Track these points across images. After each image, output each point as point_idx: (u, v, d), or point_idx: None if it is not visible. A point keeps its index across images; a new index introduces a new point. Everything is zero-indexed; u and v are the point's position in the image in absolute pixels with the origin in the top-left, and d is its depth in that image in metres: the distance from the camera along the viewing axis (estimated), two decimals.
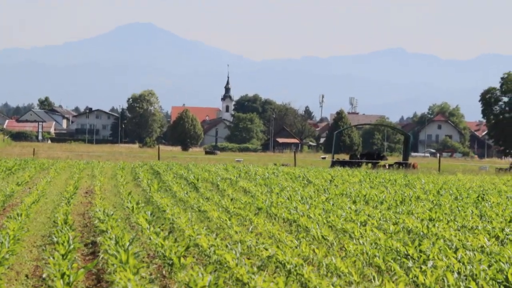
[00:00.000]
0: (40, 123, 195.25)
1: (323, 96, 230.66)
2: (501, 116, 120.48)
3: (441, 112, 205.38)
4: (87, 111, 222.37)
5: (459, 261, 16.22)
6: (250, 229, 21.08)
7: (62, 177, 43.49)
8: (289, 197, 31.28)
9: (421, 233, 21.00)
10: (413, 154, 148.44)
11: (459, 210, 27.26)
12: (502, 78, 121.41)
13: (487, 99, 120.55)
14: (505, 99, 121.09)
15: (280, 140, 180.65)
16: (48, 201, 29.30)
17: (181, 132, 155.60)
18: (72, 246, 15.76)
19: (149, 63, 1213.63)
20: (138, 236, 19.90)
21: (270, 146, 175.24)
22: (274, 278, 13.71)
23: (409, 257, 16.92)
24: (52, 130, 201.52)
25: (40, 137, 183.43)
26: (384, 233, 20.60)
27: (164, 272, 15.94)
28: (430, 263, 15.76)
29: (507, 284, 14.47)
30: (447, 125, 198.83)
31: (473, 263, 15.80)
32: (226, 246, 17.11)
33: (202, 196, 31.93)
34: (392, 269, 15.66)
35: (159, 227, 19.51)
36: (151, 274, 15.66)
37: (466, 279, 14.52)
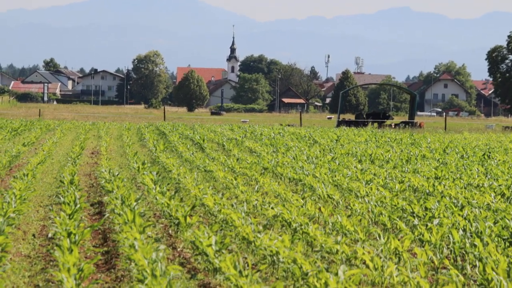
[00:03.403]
0: (46, 84, 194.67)
1: (328, 56, 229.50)
2: (507, 75, 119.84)
3: (447, 71, 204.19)
4: (93, 72, 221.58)
5: (465, 219, 16.24)
6: (256, 188, 21.10)
7: (68, 138, 43.52)
8: (294, 157, 31.28)
9: (427, 191, 21.00)
10: (419, 113, 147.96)
11: (465, 168, 27.23)
12: (509, 36, 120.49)
13: (494, 58, 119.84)
14: None
15: (286, 100, 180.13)
16: (54, 161, 29.35)
17: (186, 93, 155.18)
18: (78, 206, 15.82)
19: (154, 24, 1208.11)
20: (144, 196, 19.95)
21: (276, 106, 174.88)
22: (280, 236, 13.75)
23: (414, 215, 16.95)
24: (57, 91, 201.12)
25: (45, 98, 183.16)
26: (390, 192, 20.60)
27: (170, 231, 16.00)
28: (435, 221, 15.78)
29: None
30: (454, 84, 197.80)
31: (478, 220, 15.81)
32: (232, 206, 17.16)
33: (208, 156, 31.94)
34: (398, 227, 15.68)
35: (165, 187, 19.54)
36: (157, 233, 15.74)
37: (471, 236, 14.55)
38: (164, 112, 80.00)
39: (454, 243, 13.88)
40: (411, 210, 17.27)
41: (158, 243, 14.31)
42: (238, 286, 10.76)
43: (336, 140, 42.99)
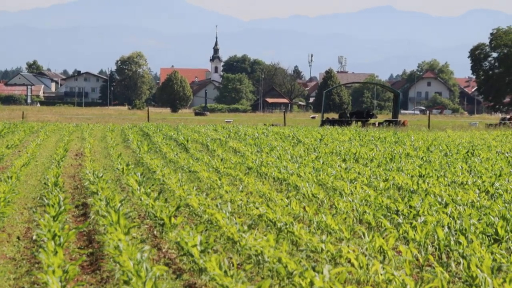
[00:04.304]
0: (29, 86, 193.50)
1: (312, 56, 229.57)
2: (490, 72, 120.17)
3: (431, 69, 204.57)
4: (76, 74, 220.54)
5: (449, 216, 16.27)
6: (240, 188, 21.07)
7: (52, 140, 43.35)
8: (279, 156, 31.26)
9: (411, 189, 21.01)
10: (402, 111, 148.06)
11: (449, 166, 27.30)
12: (491, 34, 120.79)
13: (477, 55, 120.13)
14: (494, 54, 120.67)
15: (270, 100, 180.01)
16: (38, 164, 29.23)
17: (170, 93, 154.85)
18: (63, 208, 15.72)
19: (137, 25, 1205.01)
20: (129, 197, 19.90)
21: (260, 106, 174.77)
22: (265, 236, 13.74)
23: (399, 213, 16.95)
24: (41, 94, 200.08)
25: (29, 101, 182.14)
26: (374, 190, 20.61)
27: (155, 232, 15.95)
28: (420, 219, 15.81)
29: (497, 237, 14.55)
30: (437, 82, 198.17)
31: (463, 218, 15.83)
32: (217, 206, 17.10)
33: (192, 156, 31.89)
34: (382, 225, 15.70)
35: (150, 188, 19.47)
36: (142, 234, 15.70)
37: (456, 233, 14.57)
38: (148, 113, 79.87)
39: (438, 240, 13.89)
40: (396, 208, 17.28)
41: (143, 244, 14.27)
42: (224, 286, 10.71)
43: (320, 139, 43.02)
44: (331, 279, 10.67)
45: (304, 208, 17.61)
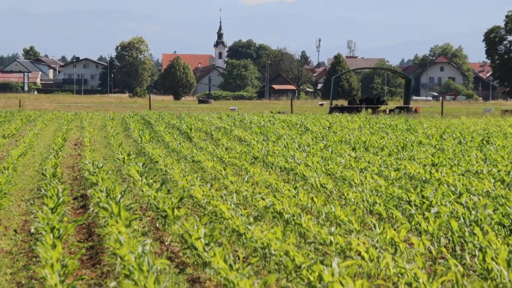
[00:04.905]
0: (26, 73, 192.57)
1: (319, 40, 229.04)
2: (506, 56, 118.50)
3: (444, 53, 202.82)
4: (74, 60, 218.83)
5: (464, 207, 16.09)
6: (246, 179, 20.81)
7: (50, 129, 43.14)
8: (286, 145, 31.03)
9: (424, 178, 20.87)
10: (414, 98, 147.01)
11: (463, 154, 27.02)
12: (506, 17, 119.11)
13: (491, 39, 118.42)
14: (510, 38, 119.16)
15: (276, 87, 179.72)
16: (35, 154, 29.05)
17: (172, 80, 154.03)
18: (61, 199, 15.69)
19: (137, 9, 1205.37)
20: (130, 188, 19.68)
21: (266, 93, 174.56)
22: (272, 228, 13.59)
23: (411, 203, 16.78)
24: (38, 81, 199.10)
25: (26, 88, 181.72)
26: (385, 180, 20.43)
27: (157, 224, 15.83)
28: (433, 209, 15.57)
29: None
30: (450, 67, 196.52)
31: (477, 208, 15.64)
32: (221, 197, 16.94)
33: (196, 146, 31.69)
34: (394, 216, 15.55)
35: (152, 179, 19.31)
36: (144, 227, 15.62)
37: (470, 224, 14.38)
38: (150, 101, 79.55)
39: (452, 232, 13.69)
40: (408, 199, 17.05)
41: (144, 237, 14.06)
42: (229, 280, 10.56)
43: (329, 127, 42.72)
44: (340, 272, 10.43)
45: (312, 199, 17.42)
